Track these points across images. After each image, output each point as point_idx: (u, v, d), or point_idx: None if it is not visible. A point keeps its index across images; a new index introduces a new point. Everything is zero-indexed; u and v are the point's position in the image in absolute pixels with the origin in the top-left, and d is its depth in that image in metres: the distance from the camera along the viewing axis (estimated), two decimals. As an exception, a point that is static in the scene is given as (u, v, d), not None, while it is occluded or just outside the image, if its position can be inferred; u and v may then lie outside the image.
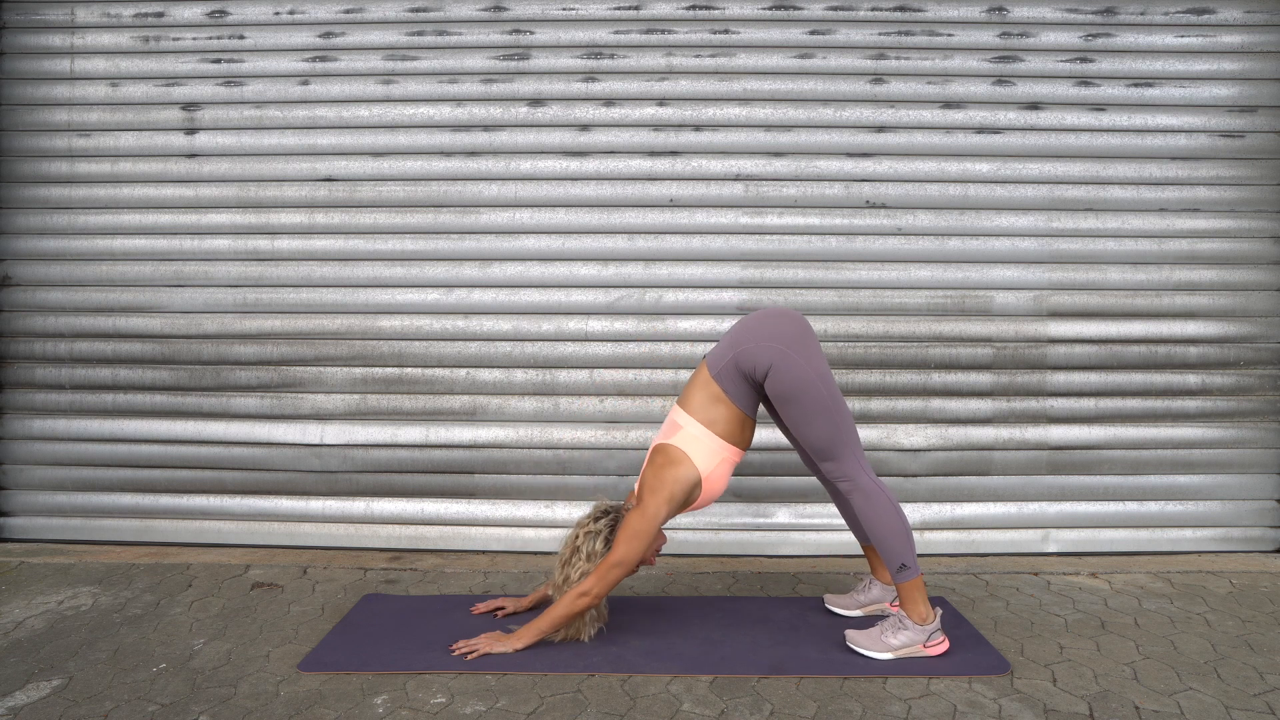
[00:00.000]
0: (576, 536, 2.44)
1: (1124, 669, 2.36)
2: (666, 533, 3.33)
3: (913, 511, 3.37)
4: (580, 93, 3.40)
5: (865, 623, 2.62)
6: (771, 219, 3.39)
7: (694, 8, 3.37)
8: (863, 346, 3.38)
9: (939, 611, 2.41)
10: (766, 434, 3.27)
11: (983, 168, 3.38)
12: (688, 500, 2.43)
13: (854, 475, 2.39)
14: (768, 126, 3.38)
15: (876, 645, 2.38)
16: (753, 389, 2.44)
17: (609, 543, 2.42)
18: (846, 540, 3.27)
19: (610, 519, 2.46)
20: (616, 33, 3.38)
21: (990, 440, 3.39)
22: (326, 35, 3.41)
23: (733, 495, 3.37)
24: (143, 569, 3.14)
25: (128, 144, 3.44)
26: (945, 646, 2.39)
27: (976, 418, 3.39)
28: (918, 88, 3.37)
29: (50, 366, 3.46)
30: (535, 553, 3.37)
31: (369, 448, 3.42)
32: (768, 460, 3.35)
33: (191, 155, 3.44)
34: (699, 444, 2.41)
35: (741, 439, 2.46)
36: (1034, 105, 3.37)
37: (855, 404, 3.38)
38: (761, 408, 2.58)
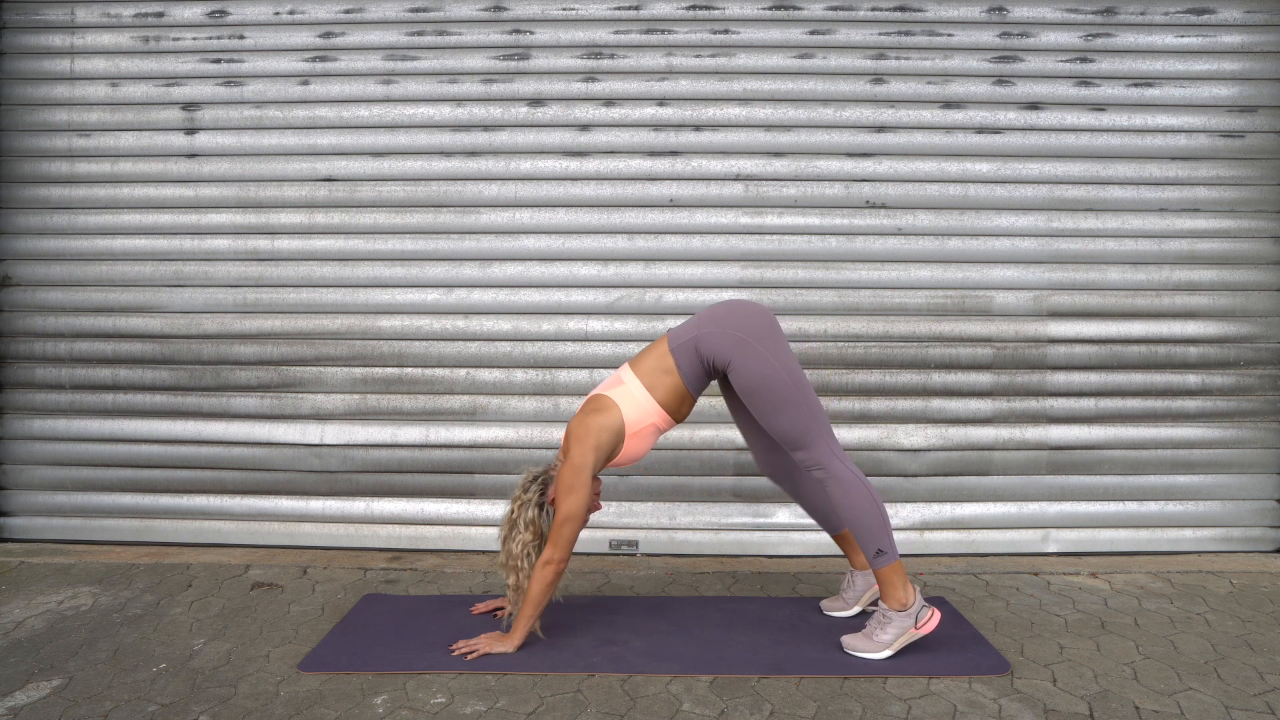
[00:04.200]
0: (513, 511, 2.47)
1: (1124, 669, 2.36)
2: (672, 533, 3.35)
3: (913, 511, 3.37)
4: (580, 93, 3.40)
5: (861, 624, 2.62)
6: (771, 219, 3.39)
7: (694, 8, 3.37)
8: (863, 346, 3.38)
9: (917, 589, 2.40)
10: (766, 434, 3.28)
11: (983, 168, 3.38)
12: (613, 449, 2.45)
13: (827, 463, 2.39)
14: (768, 126, 3.38)
15: (872, 646, 2.38)
16: (705, 372, 2.47)
17: (541, 506, 2.45)
18: (846, 540, 3.27)
19: (539, 483, 2.49)
20: (616, 33, 3.38)
21: (990, 440, 3.39)
22: (326, 35, 3.41)
23: (732, 495, 3.37)
24: (143, 569, 3.14)
25: (128, 144, 3.45)
26: (937, 618, 2.37)
27: (976, 418, 3.39)
28: (918, 88, 3.37)
29: (50, 366, 3.46)
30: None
31: (369, 448, 3.42)
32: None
33: (191, 155, 3.44)
34: (633, 400, 2.44)
35: (677, 411, 2.49)
36: (1034, 105, 3.37)
37: (855, 404, 3.38)
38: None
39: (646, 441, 2.51)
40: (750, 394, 2.39)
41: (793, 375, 2.37)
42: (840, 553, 3.32)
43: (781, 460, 2.66)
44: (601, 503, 2.64)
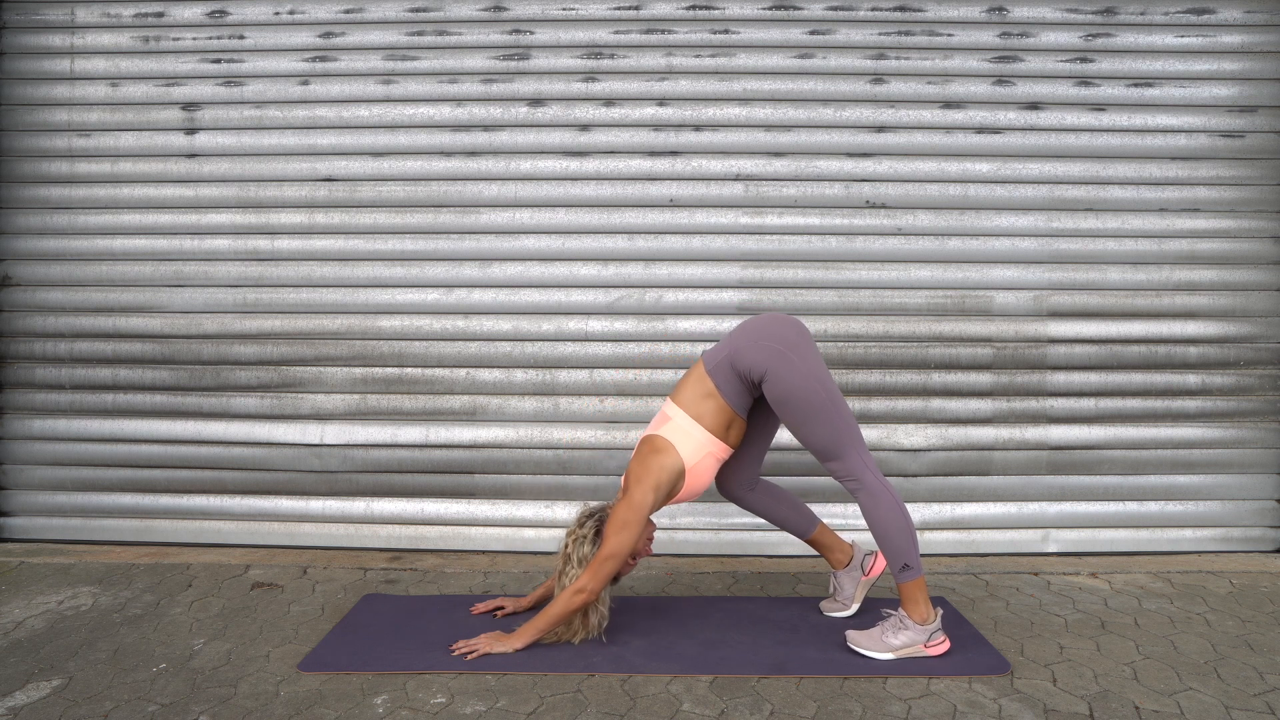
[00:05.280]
0: (566, 545, 2.44)
1: (1124, 669, 2.36)
2: (672, 533, 3.35)
3: (913, 511, 3.37)
4: (580, 93, 3.40)
5: (865, 622, 2.63)
6: (771, 219, 3.39)
7: (694, 8, 3.37)
8: (863, 346, 3.38)
9: (939, 611, 2.41)
10: (766, 434, 3.27)
11: (983, 168, 3.38)
12: (673, 490, 2.44)
13: (860, 474, 2.39)
14: (768, 126, 3.38)
15: (877, 645, 2.39)
16: (746, 389, 2.45)
17: (596, 545, 2.42)
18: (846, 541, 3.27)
19: (595, 520, 2.47)
20: (616, 33, 3.38)
21: (990, 440, 3.39)
22: (326, 35, 3.41)
23: (733, 495, 3.37)
24: (143, 569, 3.14)
25: (128, 144, 3.45)
26: (946, 646, 2.40)
27: (976, 418, 3.39)
28: (918, 88, 3.37)
29: (50, 366, 3.46)
30: (535, 553, 3.37)
31: (369, 448, 3.42)
32: (769, 461, 3.34)
33: (191, 155, 3.44)
34: (686, 436, 2.43)
35: (728, 436, 2.48)
36: (1034, 105, 3.37)
37: (855, 404, 3.38)
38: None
39: (707, 475, 2.49)
40: (783, 404, 2.38)
41: (826, 386, 2.37)
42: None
43: (741, 482, 2.68)
44: (653, 547, 2.62)
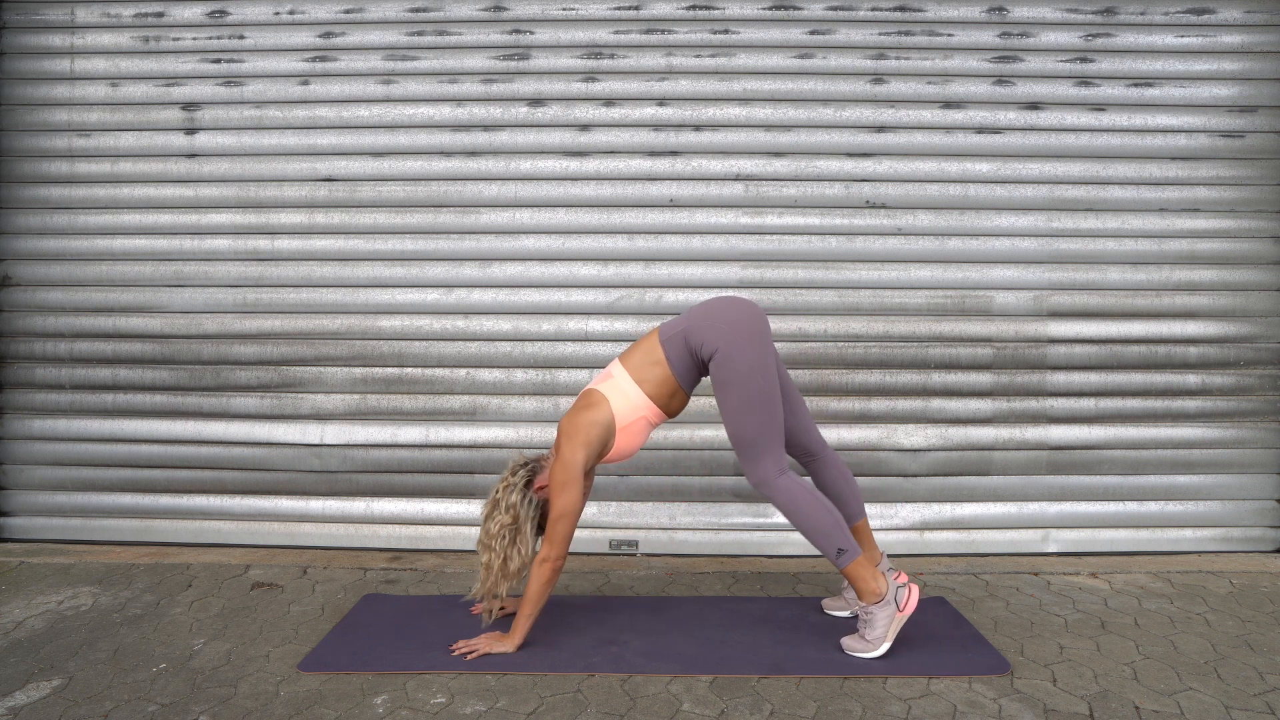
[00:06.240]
0: (497, 491, 2.47)
1: (1124, 669, 2.36)
2: (672, 533, 3.35)
3: (913, 511, 3.37)
4: (580, 93, 3.40)
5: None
6: (771, 219, 3.39)
7: (694, 8, 3.37)
8: (863, 346, 3.38)
9: (888, 574, 2.41)
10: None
11: (983, 168, 3.38)
12: (604, 447, 2.45)
13: (769, 480, 2.38)
14: (768, 126, 3.38)
15: (867, 645, 2.38)
16: (694, 364, 2.46)
17: (525, 494, 2.44)
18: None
19: (528, 469, 2.49)
20: (616, 33, 3.38)
21: (990, 440, 3.39)
22: (326, 35, 3.41)
23: (732, 495, 3.37)
24: (143, 569, 3.14)
25: (128, 144, 3.45)
26: (917, 593, 2.36)
27: (976, 418, 3.39)
28: (918, 88, 3.37)
29: (50, 366, 3.46)
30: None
31: (369, 448, 3.42)
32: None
33: (191, 155, 3.44)
34: (623, 395, 2.44)
35: (668, 405, 2.49)
36: (1034, 105, 3.37)
37: (855, 404, 3.38)
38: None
39: (638, 437, 2.50)
40: (723, 386, 2.38)
41: (768, 381, 2.37)
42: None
43: (802, 447, 2.62)
44: (597, 504, 2.63)
